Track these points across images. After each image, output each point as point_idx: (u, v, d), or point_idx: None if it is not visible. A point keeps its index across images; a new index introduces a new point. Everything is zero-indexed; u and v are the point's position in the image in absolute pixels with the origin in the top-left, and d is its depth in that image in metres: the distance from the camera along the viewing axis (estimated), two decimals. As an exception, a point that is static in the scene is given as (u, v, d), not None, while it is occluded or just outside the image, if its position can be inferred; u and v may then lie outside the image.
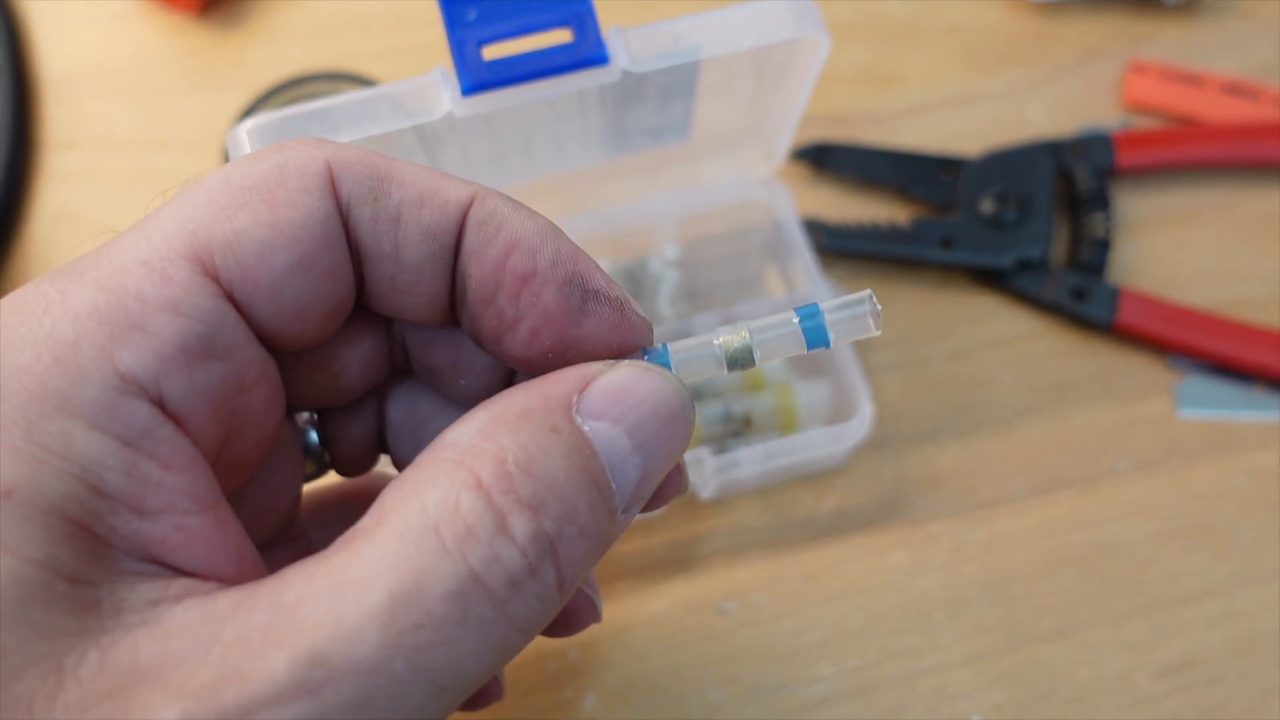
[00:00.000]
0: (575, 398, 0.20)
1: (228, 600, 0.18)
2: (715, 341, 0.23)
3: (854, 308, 0.22)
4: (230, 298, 0.20)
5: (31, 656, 0.17)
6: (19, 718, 0.16)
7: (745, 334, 0.23)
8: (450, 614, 0.18)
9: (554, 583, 0.19)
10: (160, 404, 0.19)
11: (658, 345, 0.23)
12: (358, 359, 0.25)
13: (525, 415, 0.20)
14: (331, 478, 0.28)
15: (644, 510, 0.24)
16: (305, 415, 0.27)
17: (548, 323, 0.22)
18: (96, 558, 0.18)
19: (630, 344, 0.23)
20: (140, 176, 0.46)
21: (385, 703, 0.17)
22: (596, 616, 0.26)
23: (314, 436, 0.26)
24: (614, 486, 0.20)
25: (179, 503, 0.19)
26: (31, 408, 0.18)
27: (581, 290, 0.22)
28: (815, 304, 0.23)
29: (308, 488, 0.27)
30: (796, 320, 0.23)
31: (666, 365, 0.23)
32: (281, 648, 0.17)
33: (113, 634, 0.17)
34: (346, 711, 0.17)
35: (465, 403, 0.24)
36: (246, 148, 0.29)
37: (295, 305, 0.21)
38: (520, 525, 0.18)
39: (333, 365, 0.24)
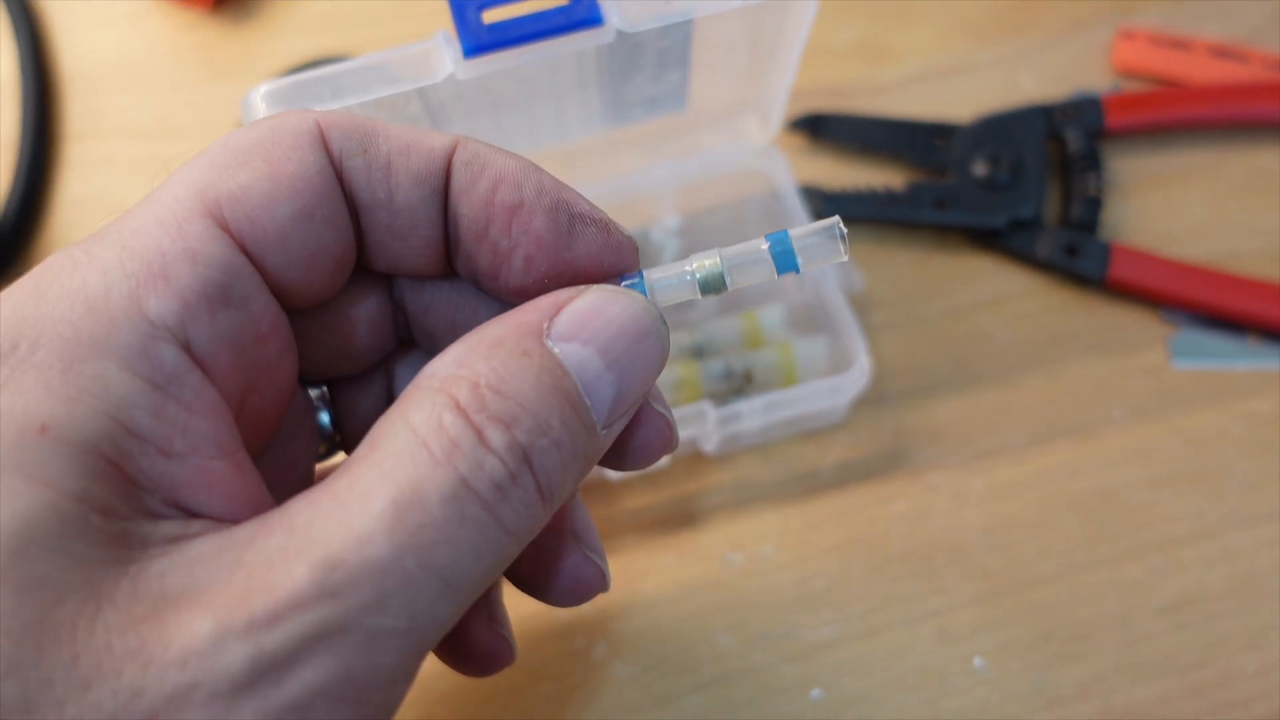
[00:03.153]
0: (546, 323, 0.22)
1: (243, 531, 0.19)
2: (689, 267, 0.24)
3: (822, 234, 0.23)
4: (242, 249, 0.22)
5: (71, 584, 0.18)
6: (63, 641, 0.17)
7: (717, 259, 0.23)
8: (449, 515, 0.19)
9: (534, 488, 0.20)
10: (187, 349, 0.20)
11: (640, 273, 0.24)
12: (364, 320, 0.26)
13: (498, 343, 0.21)
14: (340, 459, 0.29)
15: (637, 467, 0.25)
16: (317, 392, 0.28)
17: (540, 249, 0.23)
18: (126, 496, 0.19)
19: (619, 262, 0.24)
20: (157, 164, 0.47)
21: (401, 600, 0.19)
22: (604, 585, 0.27)
23: (325, 417, 0.28)
24: (589, 403, 0.21)
25: (203, 447, 0.20)
26: (67, 351, 0.19)
27: (568, 215, 0.23)
28: (784, 230, 0.24)
29: (317, 468, 0.28)
30: (766, 246, 0.23)
31: (643, 291, 0.24)
32: (300, 559, 0.18)
33: (140, 563, 0.18)
34: (367, 611, 0.18)
35: None
36: (261, 111, 0.31)
37: (302, 253, 0.22)
38: (496, 437, 0.20)
39: (341, 326, 0.26)
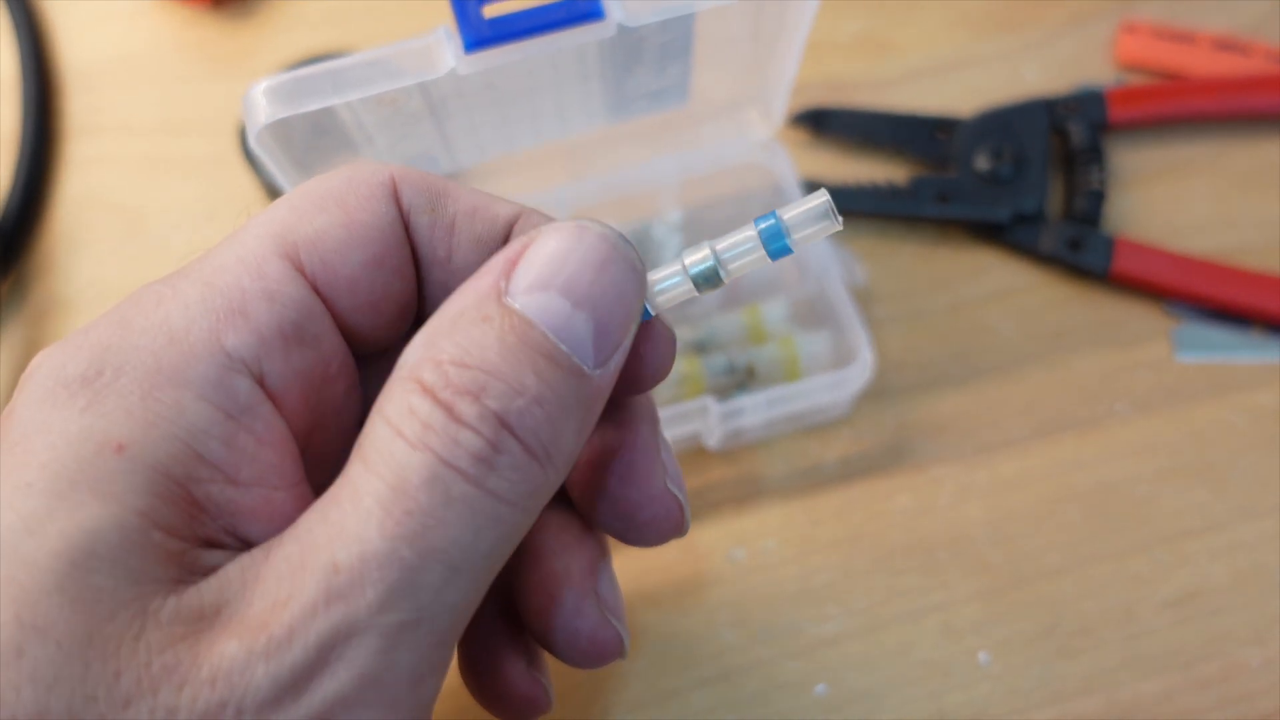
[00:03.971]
0: (503, 283, 0.21)
1: (261, 551, 0.20)
2: (684, 263, 0.23)
3: (812, 210, 0.22)
4: (316, 291, 0.22)
5: (124, 599, 0.18)
6: (108, 656, 0.18)
7: (708, 252, 0.23)
8: (433, 498, 0.19)
9: (521, 451, 0.20)
10: (261, 382, 0.21)
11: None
12: None
13: (459, 316, 0.21)
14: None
15: (645, 544, 0.26)
16: None
17: None
18: (190, 518, 0.20)
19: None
20: (159, 160, 0.48)
21: (406, 591, 0.19)
22: (621, 652, 0.26)
23: None
24: (565, 348, 0.21)
25: (269, 477, 0.21)
26: (148, 379, 0.20)
27: None
28: (773, 211, 0.23)
29: None
30: (756, 231, 0.23)
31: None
32: (307, 569, 0.19)
33: (185, 585, 0.19)
34: (373, 610, 0.18)
35: None
36: (262, 106, 0.31)
37: (371, 299, 0.23)
38: (467, 409, 0.19)
39: None
